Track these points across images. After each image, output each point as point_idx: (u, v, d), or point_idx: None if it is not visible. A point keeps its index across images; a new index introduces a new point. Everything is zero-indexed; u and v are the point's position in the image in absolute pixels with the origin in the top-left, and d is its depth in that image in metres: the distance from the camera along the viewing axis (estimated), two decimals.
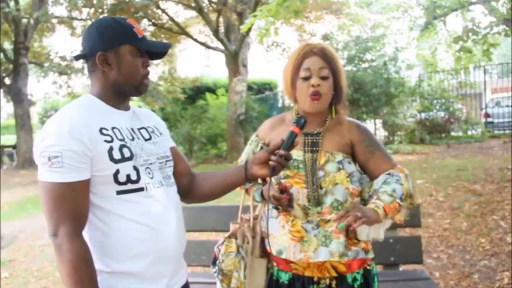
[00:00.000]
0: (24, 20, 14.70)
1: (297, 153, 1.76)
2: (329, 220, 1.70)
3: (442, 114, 11.35)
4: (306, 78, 1.74)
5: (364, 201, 1.78)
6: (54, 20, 15.39)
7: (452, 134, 11.45)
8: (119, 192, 1.39)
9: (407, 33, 16.16)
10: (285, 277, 1.76)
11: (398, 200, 1.66)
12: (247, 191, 1.90)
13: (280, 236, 1.75)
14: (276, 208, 1.76)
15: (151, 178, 1.46)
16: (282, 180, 1.75)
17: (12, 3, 14.12)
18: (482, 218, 4.70)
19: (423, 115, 11.33)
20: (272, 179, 1.60)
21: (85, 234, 1.37)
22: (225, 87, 14.95)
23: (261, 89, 17.28)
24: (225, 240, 1.85)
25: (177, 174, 1.64)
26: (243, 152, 1.98)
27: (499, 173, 6.20)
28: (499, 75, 14.37)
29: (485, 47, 6.11)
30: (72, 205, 1.32)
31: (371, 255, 1.79)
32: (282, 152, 1.52)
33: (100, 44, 1.43)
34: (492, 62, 11.58)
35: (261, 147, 1.86)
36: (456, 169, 6.76)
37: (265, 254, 1.80)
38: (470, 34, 6.10)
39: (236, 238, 1.83)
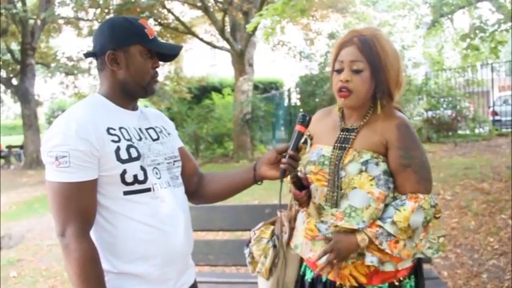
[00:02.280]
0: (31, 21, 14.76)
1: (326, 149, 1.65)
2: (337, 227, 1.57)
3: (449, 112, 11.29)
4: (338, 71, 1.61)
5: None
6: (61, 21, 15.47)
7: (460, 132, 11.38)
8: (126, 193, 1.39)
9: (413, 31, 16.08)
10: (309, 275, 1.70)
11: (379, 222, 1.51)
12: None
13: (301, 231, 1.69)
14: (295, 202, 1.72)
15: (159, 178, 1.45)
16: (307, 175, 1.66)
17: (19, 5, 14.19)
18: (491, 216, 4.66)
19: (430, 113, 11.27)
20: (298, 171, 1.60)
21: (92, 234, 1.37)
22: (231, 87, 14.95)
23: (267, 88, 17.26)
24: (263, 225, 1.81)
25: (185, 175, 1.64)
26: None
27: (507, 171, 6.15)
28: (507, 73, 14.27)
29: (493, 45, 6.06)
30: (79, 205, 1.32)
31: (389, 267, 1.56)
32: (290, 152, 1.50)
33: (110, 43, 1.43)
34: (500, 60, 11.50)
35: (305, 139, 1.74)
36: (464, 167, 6.71)
37: None
38: (477, 32, 6.07)
39: (275, 226, 1.79)
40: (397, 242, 1.51)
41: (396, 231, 1.50)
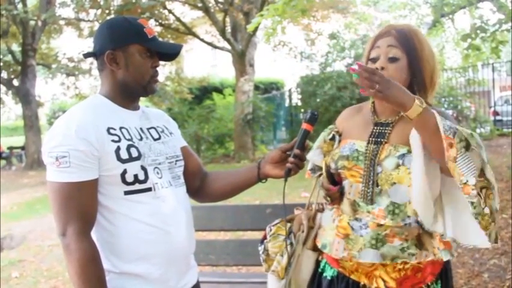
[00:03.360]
0: (32, 22, 14.78)
1: (360, 144, 1.56)
2: (382, 225, 1.49)
3: (450, 112, 11.28)
4: (374, 60, 1.54)
5: None
6: (62, 22, 15.50)
7: None
8: (126, 193, 1.39)
9: None
10: (329, 272, 1.62)
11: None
12: (317, 178, 1.73)
13: (329, 229, 1.61)
14: (325, 198, 1.64)
15: (160, 178, 1.45)
16: (339, 171, 1.59)
17: (20, 6, 14.21)
18: None
19: None
20: (328, 166, 1.56)
21: (93, 234, 1.37)
22: (232, 87, 14.97)
23: (268, 89, 17.27)
24: (279, 221, 1.75)
25: (189, 173, 1.64)
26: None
27: (508, 171, 6.14)
28: (508, 73, 14.25)
29: (494, 45, 6.06)
30: (80, 205, 1.32)
31: (447, 255, 1.49)
32: (296, 151, 1.48)
33: (109, 43, 1.43)
34: (501, 60, 11.49)
35: (333, 136, 1.68)
36: None
37: (318, 247, 1.67)
38: (478, 31, 6.05)
39: (292, 223, 1.71)
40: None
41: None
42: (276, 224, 1.75)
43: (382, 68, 1.49)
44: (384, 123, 1.57)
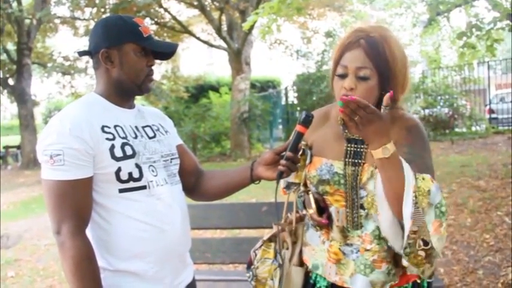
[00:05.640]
0: (27, 21, 14.73)
1: (338, 165, 1.49)
2: (369, 250, 1.47)
3: (446, 110, 11.32)
4: (341, 76, 1.44)
5: None
6: (57, 20, 15.43)
7: (456, 130, 11.42)
8: (121, 191, 1.39)
9: (410, 29, 16.11)
10: (323, 283, 1.59)
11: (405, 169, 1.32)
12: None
13: (319, 251, 1.58)
14: (314, 227, 1.59)
15: (155, 176, 1.46)
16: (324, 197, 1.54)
17: (14, 4, 14.14)
18: (487, 214, 4.68)
19: (427, 111, 11.30)
20: (312, 193, 1.52)
21: (88, 232, 1.37)
22: (228, 86, 14.97)
23: (264, 87, 17.26)
24: (263, 244, 1.69)
25: (185, 172, 1.64)
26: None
27: (504, 169, 6.17)
28: (503, 71, 14.33)
29: (489, 43, 6.07)
30: (74, 203, 1.32)
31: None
32: (289, 153, 1.45)
33: (104, 41, 1.44)
34: (496, 58, 11.54)
35: (303, 150, 1.59)
36: (460, 165, 6.74)
37: (304, 262, 1.64)
38: (473, 30, 6.07)
39: (276, 242, 1.64)
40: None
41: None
42: (260, 246, 1.69)
43: (352, 89, 1.41)
44: (358, 139, 1.48)
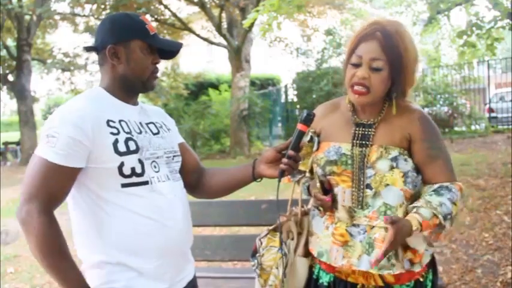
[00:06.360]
0: (27, 17, 14.68)
1: (345, 147, 1.55)
2: (374, 226, 1.51)
3: (445, 109, 11.32)
4: (355, 65, 1.51)
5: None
6: (57, 17, 15.38)
7: (456, 129, 11.43)
8: (123, 185, 1.39)
9: (410, 28, 16.06)
10: (325, 278, 1.61)
11: (440, 218, 1.44)
12: (298, 182, 1.73)
13: (323, 237, 1.59)
14: (317, 208, 1.62)
15: (157, 172, 1.46)
16: (328, 177, 1.57)
17: (14, 0, 14.11)
18: (486, 212, 4.69)
19: (426, 110, 11.27)
20: (317, 175, 1.54)
21: (90, 226, 1.38)
22: (227, 83, 14.93)
23: (264, 85, 17.23)
24: (268, 232, 1.71)
25: (186, 169, 1.65)
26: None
27: (503, 168, 6.17)
28: (503, 70, 14.29)
29: (489, 42, 6.07)
30: (52, 185, 1.33)
31: (418, 268, 1.53)
32: (290, 152, 1.47)
33: (111, 37, 1.45)
34: (496, 57, 11.49)
35: (311, 137, 1.65)
36: (460, 164, 6.73)
37: (309, 253, 1.65)
38: (474, 28, 6.07)
39: (281, 232, 1.66)
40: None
41: (450, 224, 1.48)
42: (266, 235, 1.71)
43: (365, 78, 1.49)
44: (366, 124, 1.57)
